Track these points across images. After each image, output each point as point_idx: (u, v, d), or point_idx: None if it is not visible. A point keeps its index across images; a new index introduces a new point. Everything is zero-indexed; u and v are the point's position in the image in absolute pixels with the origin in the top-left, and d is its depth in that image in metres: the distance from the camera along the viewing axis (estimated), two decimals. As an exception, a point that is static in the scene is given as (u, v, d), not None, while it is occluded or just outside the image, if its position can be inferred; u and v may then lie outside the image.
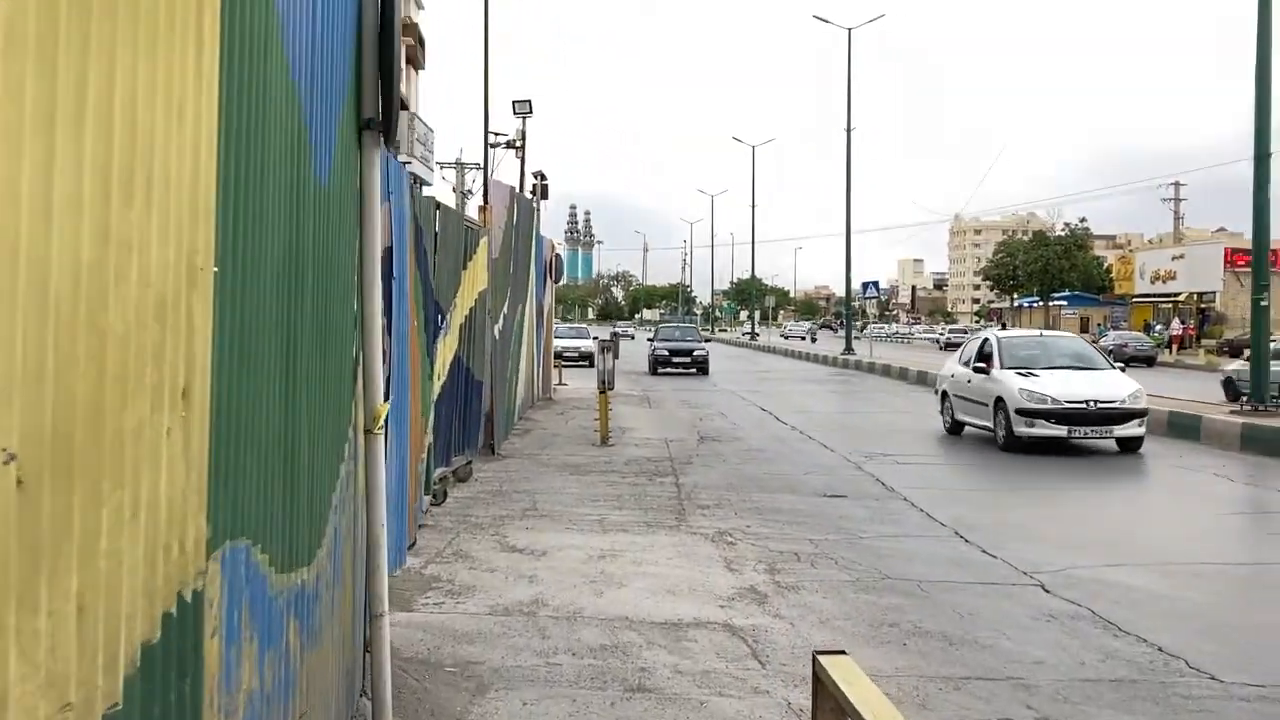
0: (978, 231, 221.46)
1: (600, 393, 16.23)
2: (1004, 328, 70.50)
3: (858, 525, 9.91)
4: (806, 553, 8.69)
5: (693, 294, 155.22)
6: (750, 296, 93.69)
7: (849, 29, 45.90)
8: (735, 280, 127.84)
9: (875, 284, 54.48)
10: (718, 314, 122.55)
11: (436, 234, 9.36)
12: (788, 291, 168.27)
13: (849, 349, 45.54)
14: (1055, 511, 10.98)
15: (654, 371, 34.21)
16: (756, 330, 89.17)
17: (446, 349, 10.13)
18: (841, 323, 66.06)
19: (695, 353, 34.83)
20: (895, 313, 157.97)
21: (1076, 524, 10.20)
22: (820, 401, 25.83)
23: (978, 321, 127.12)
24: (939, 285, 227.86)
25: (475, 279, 11.52)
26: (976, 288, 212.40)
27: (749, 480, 12.64)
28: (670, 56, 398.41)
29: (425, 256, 8.25)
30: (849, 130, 45.61)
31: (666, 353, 34.86)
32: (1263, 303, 17.28)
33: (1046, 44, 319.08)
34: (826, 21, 45.95)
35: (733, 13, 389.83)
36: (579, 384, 27.57)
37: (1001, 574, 8.10)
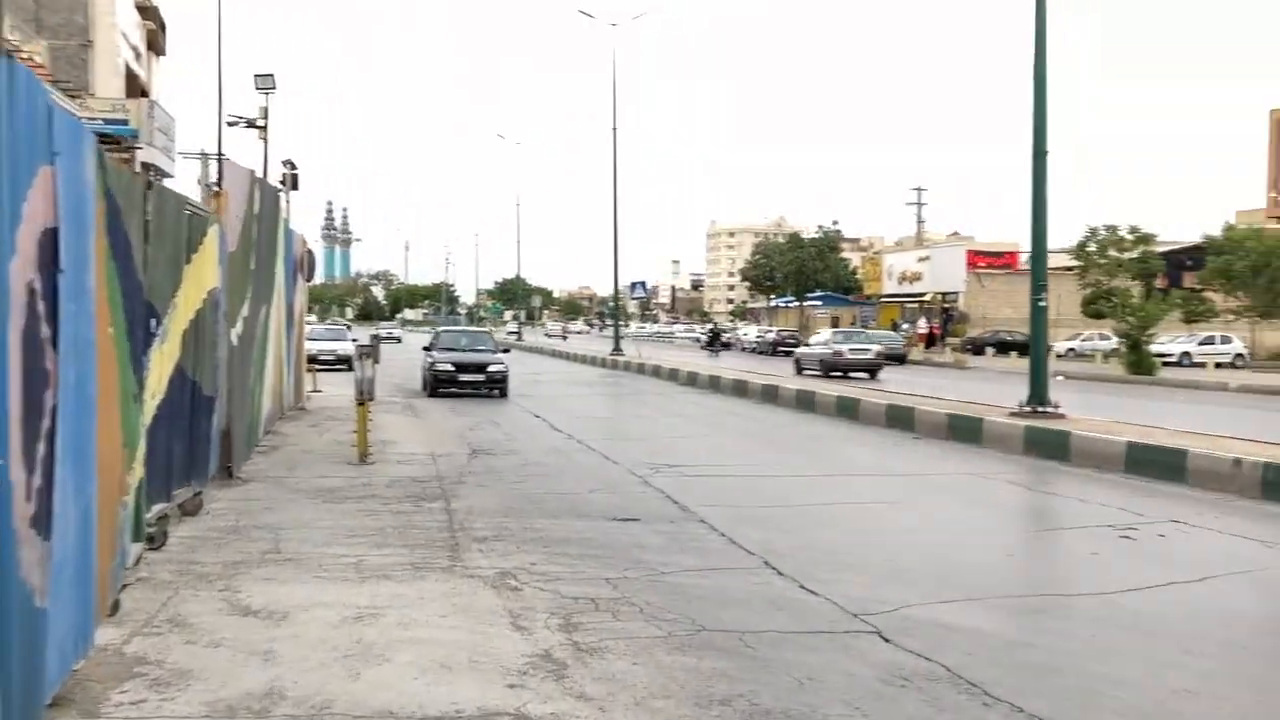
0: (732, 234, 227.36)
1: (359, 404, 14.51)
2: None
3: (657, 557, 8.68)
4: (605, 598, 7.38)
5: (456, 293, 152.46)
6: (516, 296, 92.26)
7: (614, 24, 45.11)
8: (500, 280, 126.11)
9: (643, 284, 54.14)
10: (482, 314, 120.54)
11: (148, 219, 7.57)
12: (551, 291, 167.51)
13: (617, 349, 44.73)
14: (863, 532, 10.05)
15: (432, 392, 25.60)
16: (521, 330, 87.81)
17: (164, 360, 8.32)
18: (605, 322, 65.42)
19: (490, 367, 25.60)
20: (655, 312, 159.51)
21: (890, 547, 9.27)
22: (596, 406, 24.71)
23: (732, 321, 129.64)
24: (696, 285, 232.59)
25: (203, 275, 9.70)
26: (731, 288, 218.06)
27: (530, 502, 11.27)
28: (440, 51, 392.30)
29: (126, 245, 6.50)
30: (614, 129, 44.83)
31: (451, 368, 25.66)
32: (1041, 303, 17.10)
33: (812, 48, 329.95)
34: (590, 16, 45.03)
35: (507, 6, 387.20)
36: (337, 390, 25.53)
37: (829, 617, 7.00)
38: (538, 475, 13.26)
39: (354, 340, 40.78)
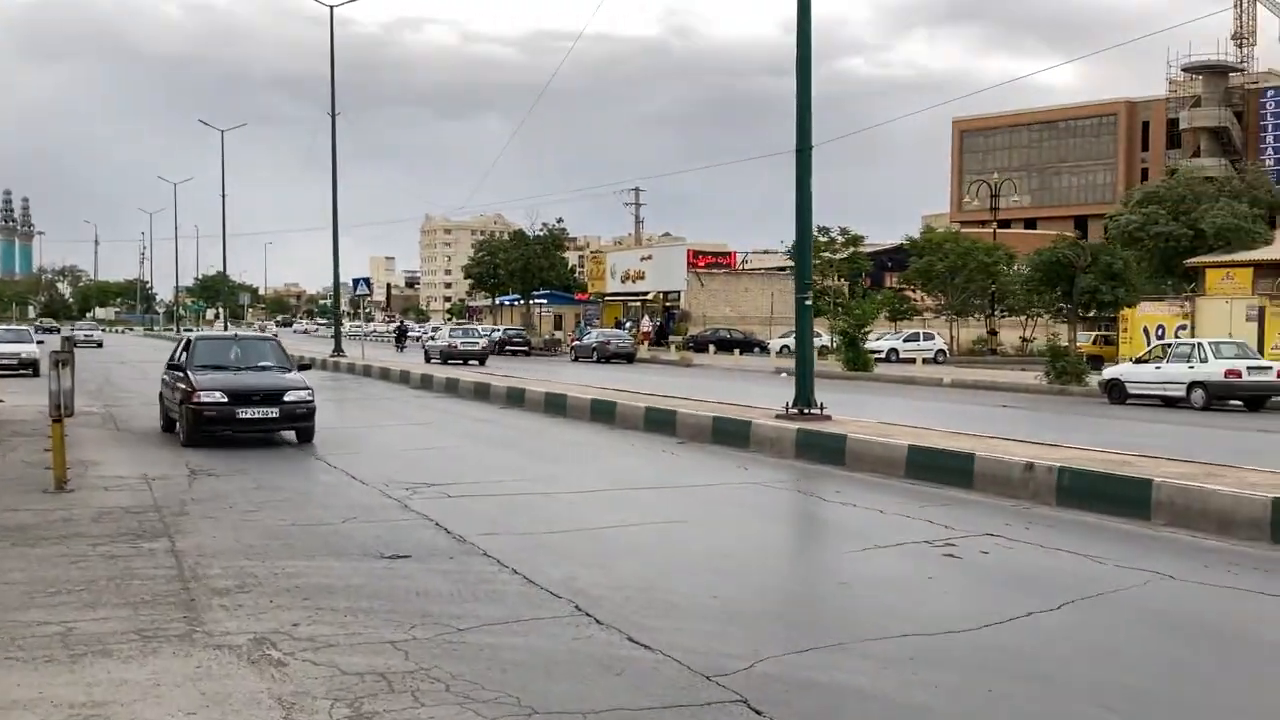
0: (448, 231, 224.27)
1: (54, 421, 12.25)
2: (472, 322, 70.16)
3: (447, 608, 7.24)
4: (398, 671, 5.91)
5: (153, 291, 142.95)
6: (221, 293, 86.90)
7: (331, 6, 42.55)
8: (201, 276, 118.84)
9: (366, 280, 51.45)
10: (182, 312, 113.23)
11: None
12: (257, 289, 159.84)
13: (339, 350, 42.22)
14: (672, 560, 8.92)
15: (191, 439, 15.88)
16: (230, 330, 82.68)
17: None
18: (325, 321, 62.31)
19: (288, 396, 16.14)
20: (370, 311, 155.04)
21: (708, 579, 8.18)
22: (326, 414, 22.62)
23: (448, 319, 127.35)
24: (411, 283, 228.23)
25: None
26: (448, 286, 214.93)
27: (273, 537, 9.55)
28: (156, 25, 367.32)
29: None
30: (333, 115, 42.28)
31: (221, 399, 15.74)
32: (806, 302, 16.53)
33: (517, 48, 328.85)
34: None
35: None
36: (21, 400, 22.47)
37: (678, 683, 5.80)
38: (275, 501, 11.49)
39: (40, 342, 36.75)
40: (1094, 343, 48.04)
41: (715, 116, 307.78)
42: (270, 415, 15.94)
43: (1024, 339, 63.13)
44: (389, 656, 6.18)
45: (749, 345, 64.58)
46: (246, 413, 15.78)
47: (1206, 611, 7.51)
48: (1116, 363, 43.60)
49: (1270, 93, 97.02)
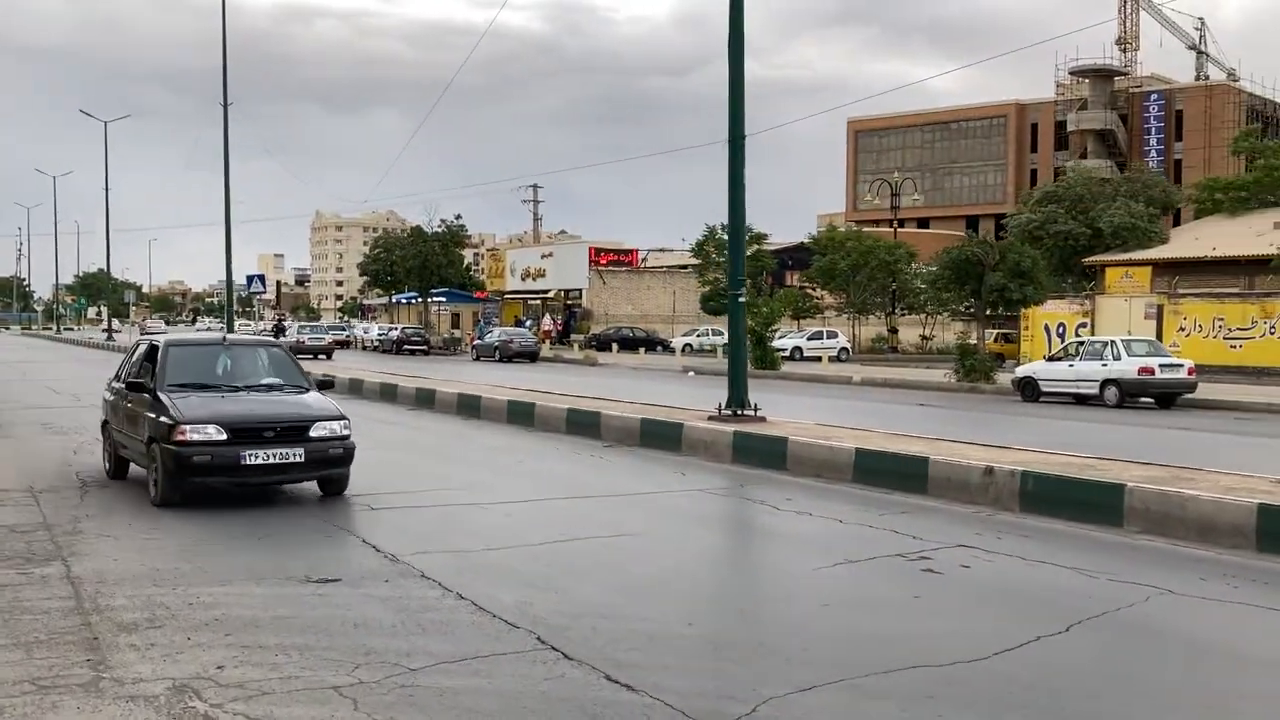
0: (339, 228, 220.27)
1: (-75, 430, 11.02)
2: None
3: (392, 642, 6.38)
4: (350, 725, 5.07)
5: (30, 289, 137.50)
6: (104, 291, 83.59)
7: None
8: (82, 274, 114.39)
9: (260, 277, 49.59)
10: (62, 310, 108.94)
11: None
12: (141, 286, 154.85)
13: (232, 350, 40.49)
14: (633, 581, 8.15)
15: (172, 493, 10.80)
16: (114, 329, 79.63)
17: None
18: (214, 321, 60.15)
19: (314, 430, 11.19)
20: (259, 310, 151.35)
21: (678, 602, 7.45)
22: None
23: (342, 318, 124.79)
24: (301, 281, 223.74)
25: None
26: (340, 284, 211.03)
27: (184, 558, 8.57)
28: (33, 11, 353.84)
29: None
30: (225, 105, 40.52)
31: (220, 435, 10.67)
32: (740, 298, 15.86)
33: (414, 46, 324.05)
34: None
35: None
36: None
37: (680, 731, 5.06)
38: (180, 515, 10.45)
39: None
40: (995, 340, 48.50)
41: (609, 115, 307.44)
42: (292, 459, 10.87)
43: (923, 337, 63.67)
44: (335, 706, 5.33)
45: (651, 344, 64.09)
46: (256, 456, 10.69)
47: (1224, 632, 6.97)
48: (1019, 361, 44.16)
49: (1153, 96, 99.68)
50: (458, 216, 70.33)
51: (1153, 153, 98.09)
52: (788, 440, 13.58)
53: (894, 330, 63.12)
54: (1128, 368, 26.68)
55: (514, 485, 12.68)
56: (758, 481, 12.72)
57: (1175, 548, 9.05)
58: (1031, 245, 46.98)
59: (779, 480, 12.81)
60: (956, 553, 8.79)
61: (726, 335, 60.87)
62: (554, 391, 23.55)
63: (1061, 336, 46.90)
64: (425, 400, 22.80)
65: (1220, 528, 8.94)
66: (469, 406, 21.07)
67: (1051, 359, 29.64)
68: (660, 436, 15.74)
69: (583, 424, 17.55)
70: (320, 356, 47.19)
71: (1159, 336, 39.83)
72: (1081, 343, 29.24)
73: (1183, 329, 40.69)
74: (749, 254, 60.56)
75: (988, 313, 41.66)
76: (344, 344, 67.46)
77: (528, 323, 69.84)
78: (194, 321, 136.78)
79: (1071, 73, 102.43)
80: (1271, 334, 39.08)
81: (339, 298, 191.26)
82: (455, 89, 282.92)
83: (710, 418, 15.88)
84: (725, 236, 60.40)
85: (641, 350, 58.98)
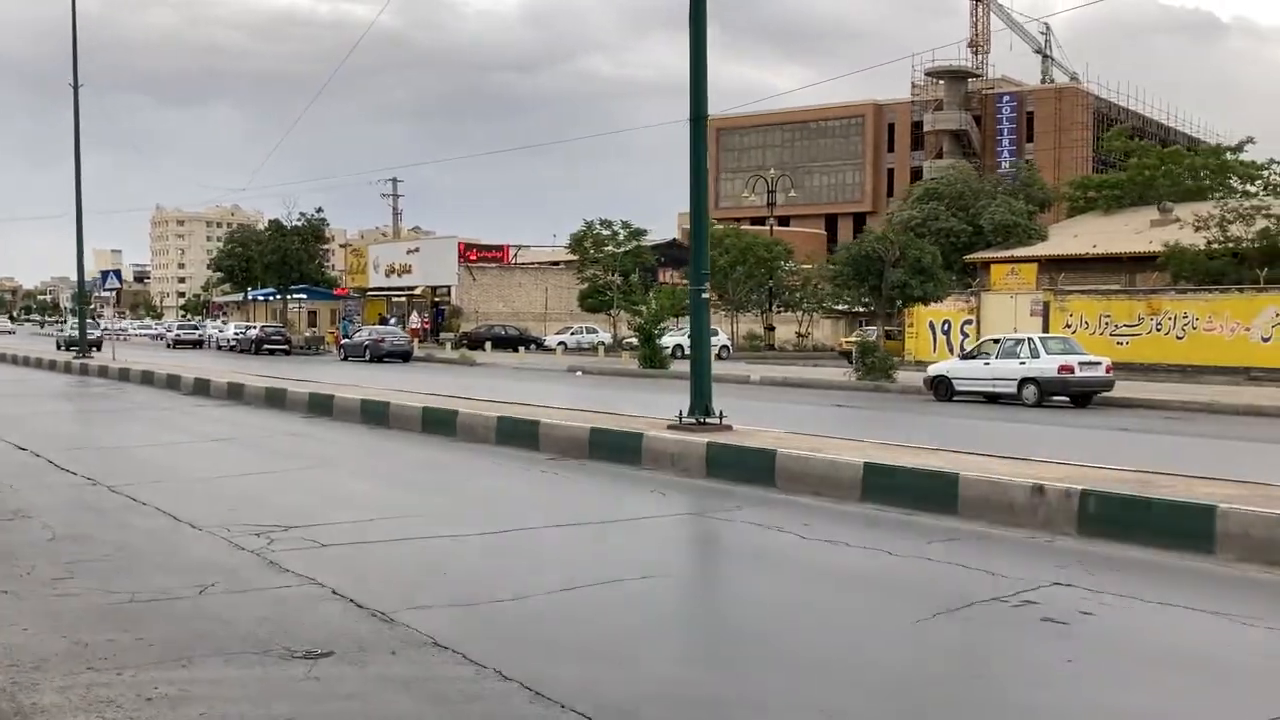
0: (181, 223, 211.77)
1: None
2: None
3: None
4: None
5: None
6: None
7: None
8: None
9: (116, 273, 46.08)
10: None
11: None
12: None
13: (86, 350, 37.27)
14: (689, 638, 6.57)
15: None
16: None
17: None
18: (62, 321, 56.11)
19: None
20: (96, 307, 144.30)
21: (777, 668, 5.91)
22: (99, 431, 19.01)
23: (185, 315, 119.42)
24: (140, 278, 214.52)
25: None
26: (182, 280, 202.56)
27: (116, 624, 6.65)
28: None
29: None
30: (75, 87, 37.24)
31: None
32: (704, 294, 14.32)
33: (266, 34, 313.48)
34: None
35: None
36: None
37: None
38: (91, 560, 8.46)
39: None
40: (861, 338, 48.11)
41: (461, 111, 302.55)
42: None
43: (799, 334, 63.29)
44: None
45: (525, 342, 62.27)
46: None
47: None
48: (903, 358, 43.80)
49: (1005, 98, 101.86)
50: (319, 210, 67.26)
51: (1005, 153, 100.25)
52: (776, 453, 12.12)
53: (770, 328, 62.62)
54: (1047, 366, 26.11)
55: (474, 510, 10.95)
56: (752, 501, 11.22)
57: (1296, 581, 7.88)
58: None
59: (775, 500, 11.34)
60: (1057, 594, 7.43)
61: (601, 333, 59.24)
62: (445, 394, 21.71)
63: (947, 334, 46.82)
64: (321, 407, 20.70)
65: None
66: (375, 414, 19.10)
67: (965, 357, 28.98)
68: (614, 448, 14.13)
69: (517, 434, 15.82)
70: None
71: (1045, 332, 39.81)
72: (996, 340, 28.63)
73: (1069, 325, 40.76)
74: (629, 249, 59.33)
75: (872, 310, 41.19)
76: (195, 344, 64.05)
77: (392, 320, 67.23)
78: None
79: (927, 74, 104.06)
80: (1158, 330, 39.42)
81: (181, 295, 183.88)
82: (303, 81, 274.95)
83: (671, 426, 14.32)
84: (604, 232, 59.23)
85: (521, 349, 57.04)
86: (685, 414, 14.30)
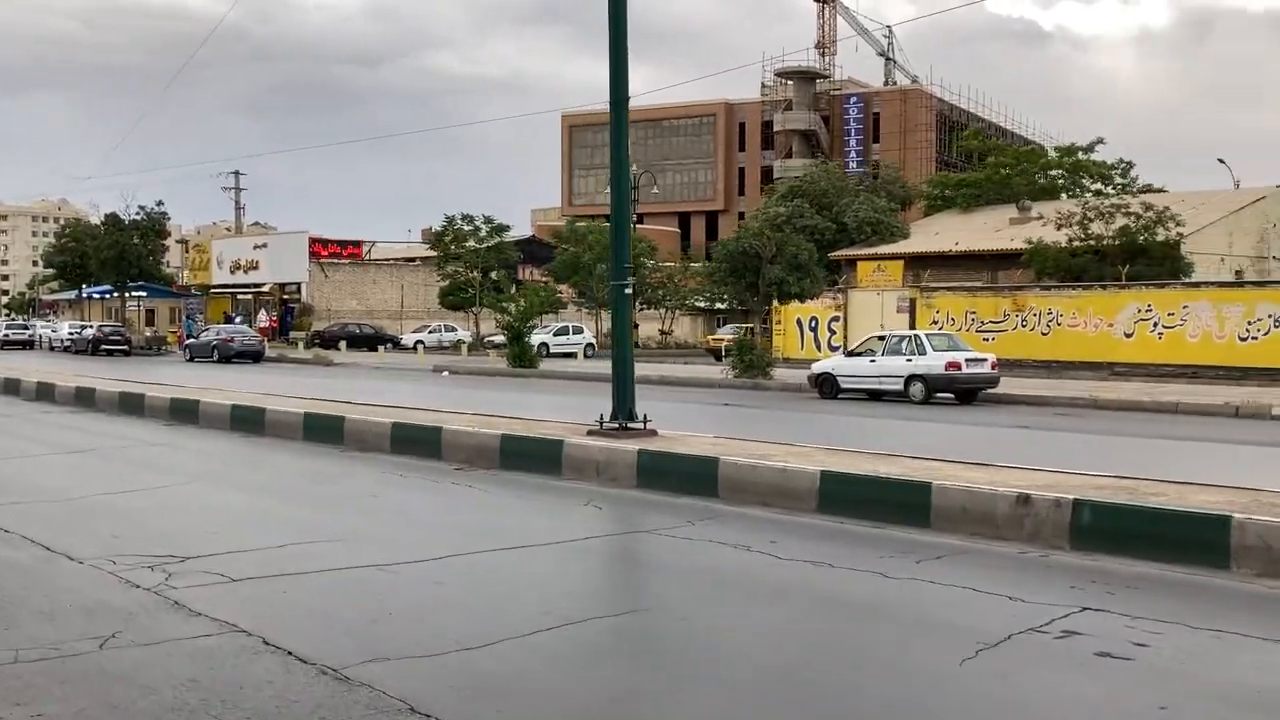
0: (4, 217, 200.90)
1: None
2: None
3: None
4: None
5: None
6: None
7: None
8: None
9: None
10: None
11: None
12: None
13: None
14: (716, 694, 5.58)
15: None
16: None
17: None
18: None
19: None
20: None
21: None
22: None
23: (9, 315, 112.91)
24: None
25: None
26: (5, 278, 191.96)
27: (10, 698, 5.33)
28: None
29: None
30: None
31: None
32: (626, 289, 13.29)
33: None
34: None
35: None
36: None
37: None
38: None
39: None
40: (745, 335, 47.83)
41: (303, 106, 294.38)
42: None
43: (663, 332, 62.84)
44: None
45: (382, 341, 60.26)
46: None
47: None
48: (772, 355, 43.55)
49: (852, 99, 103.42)
50: (159, 203, 63.83)
51: (853, 153, 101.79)
52: (719, 461, 11.20)
53: (635, 325, 61.97)
54: (934, 363, 25.91)
55: (396, 532, 9.75)
56: (700, 515, 10.26)
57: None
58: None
59: (724, 513, 10.41)
60: (1094, 622, 6.67)
61: (461, 332, 57.56)
62: (320, 398, 20.28)
63: (815, 331, 46.80)
64: (185, 413, 19.00)
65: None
66: (248, 420, 17.55)
67: (850, 354, 28.65)
68: (530, 457, 13.02)
69: (416, 441, 14.58)
70: None
71: (911, 329, 40.01)
72: (881, 337, 28.38)
73: (935, 322, 41.04)
74: (492, 245, 57.89)
75: (737, 307, 40.85)
76: (26, 344, 60.29)
77: (238, 319, 64.35)
78: None
79: (776, 74, 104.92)
80: (1023, 327, 39.95)
81: (5, 293, 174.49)
82: (137, 72, 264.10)
83: (592, 432, 13.28)
84: (466, 227, 57.64)
85: (380, 349, 55.04)
86: (607, 418, 13.29)
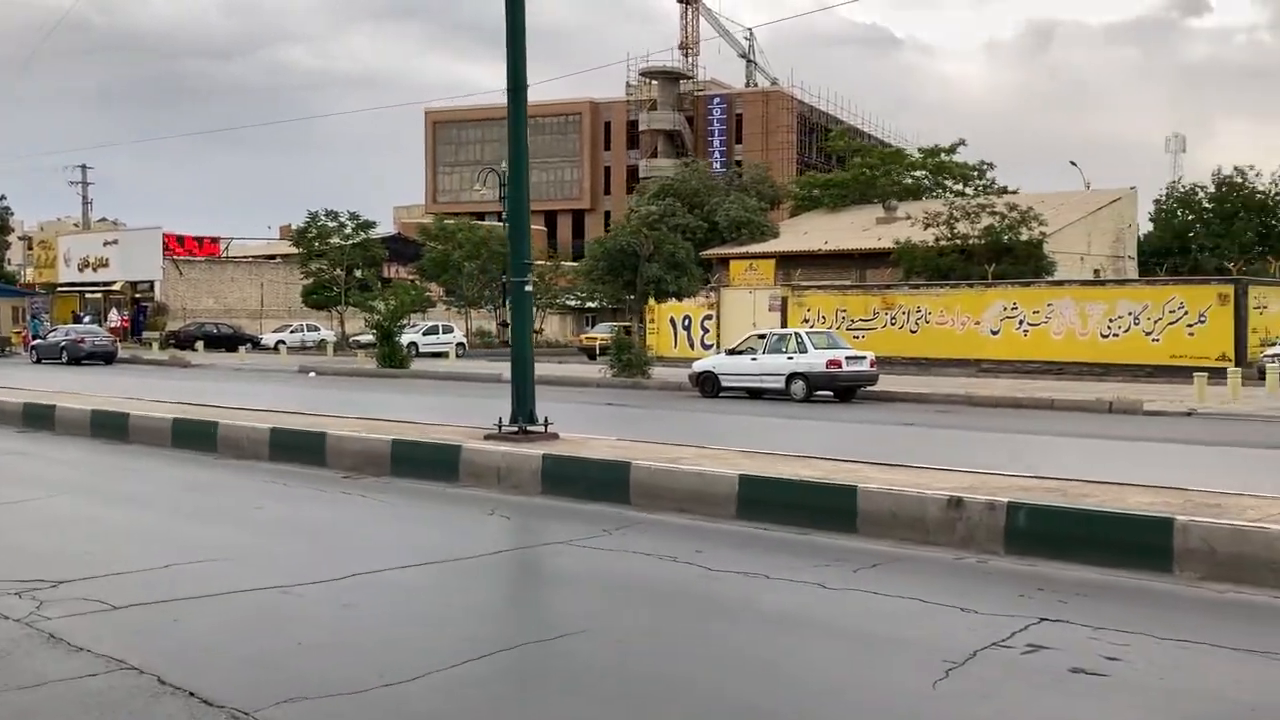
0: None
1: None
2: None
3: None
4: None
5: None
6: None
7: None
8: None
9: None
10: None
11: None
12: None
13: None
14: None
15: None
16: None
17: None
18: None
19: None
20: None
21: None
22: None
23: None
24: None
25: None
26: None
27: None
28: None
29: None
30: None
31: None
32: (526, 286, 12.67)
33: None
34: None
35: None
36: None
37: None
38: None
39: None
40: (616, 334, 47.52)
41: (152, 99, 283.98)
42: None
43: (503, 324, 62.09)
44: None
45: (241, 341, 58.19)
46: None
47: None
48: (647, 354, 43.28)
49: (716, 100, 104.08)
50: (1, 197, 60.57)
51: (717, 153, 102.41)
52: (630, 465, 10.70)
53: (504, 324, 61.06)
54: (816, 360, 25.91)
55: (290, 548, 9.01)
56: (616, 523, 9.75)
57: (1275, 601, 7.15)
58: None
59: (641, 520, 9.91)
60: (1055, 634, 6.37)
61: (324, 331, 55.81)
62: (186, 401, 19.20)
63: (688, 330, 46.73)
64: (39, 418, 17.72)
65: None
66: (110, 426, 16.40)
67: (731, 353, 28.48)
68: (424, 463, 12.34)
69: (298, 448, 13.74)
70: None
71: (784, 327, 40.21)
72: (762, 336, 28.30)
73: (807, 320, 41.32)
74: (358, 242, 56.37)
75: (607, 306, 40.45)
76: None
77: (87, 318, 61.48)
78: None
79: (641, 74, 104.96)
80: (893, 325, 40.46)
81: None
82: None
83: (490, 436, 12.64)
84: (330, 224, 55.98)
85: (240, 349, 53.06)
86: (506, 422, 12.67)
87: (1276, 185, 54.85)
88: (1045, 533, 8.23)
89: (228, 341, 57.48)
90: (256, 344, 57.78)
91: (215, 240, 69.76)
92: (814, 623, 6.74)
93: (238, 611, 6.97)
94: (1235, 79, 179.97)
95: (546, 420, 12.77)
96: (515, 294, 12.73)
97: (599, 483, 10.84)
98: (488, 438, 12.61)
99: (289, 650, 6.17)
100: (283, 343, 56.22)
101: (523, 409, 12.62)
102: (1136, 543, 7.85)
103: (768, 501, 9.73)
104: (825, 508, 9.37)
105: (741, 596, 7.34)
